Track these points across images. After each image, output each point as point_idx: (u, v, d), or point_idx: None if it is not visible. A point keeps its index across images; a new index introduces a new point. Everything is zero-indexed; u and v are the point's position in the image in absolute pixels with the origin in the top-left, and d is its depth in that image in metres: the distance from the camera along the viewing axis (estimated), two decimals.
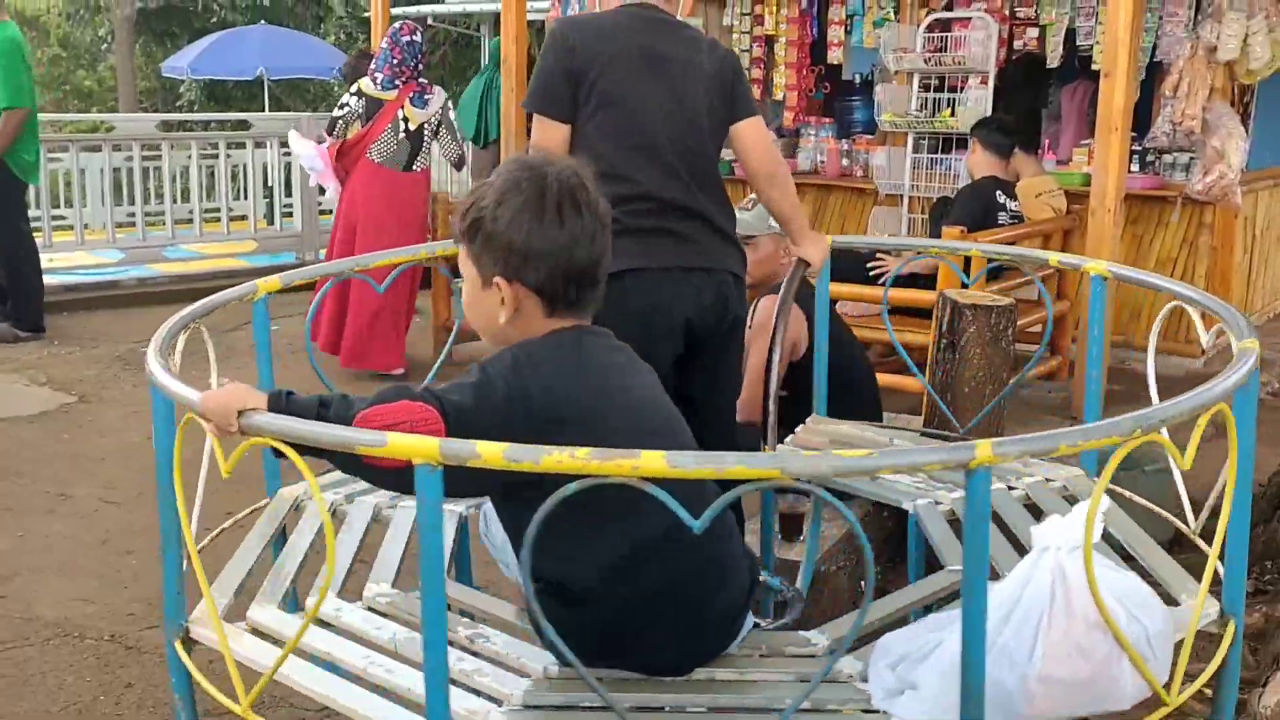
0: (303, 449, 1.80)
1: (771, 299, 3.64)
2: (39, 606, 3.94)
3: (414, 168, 6.64)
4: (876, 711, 1.84)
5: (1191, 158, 6.69)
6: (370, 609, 2.31)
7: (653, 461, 1.50)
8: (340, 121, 6.66)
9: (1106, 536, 2.38)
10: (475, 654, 2.05)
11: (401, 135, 6.56)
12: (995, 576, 2.20)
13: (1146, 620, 1.82)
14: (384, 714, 1.90)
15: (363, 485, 2.87)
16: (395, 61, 6.57)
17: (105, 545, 4.45)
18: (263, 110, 16.58)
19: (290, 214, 10.74)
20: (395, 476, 1.81)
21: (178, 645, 2.22)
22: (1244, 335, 2.00)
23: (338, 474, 2.88)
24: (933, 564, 2.60)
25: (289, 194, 11.04)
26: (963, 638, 1.61)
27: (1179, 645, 1.91)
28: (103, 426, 5.91)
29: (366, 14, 16.18)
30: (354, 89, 6.71)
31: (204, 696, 2.23)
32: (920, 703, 1.81)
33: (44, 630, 3.78)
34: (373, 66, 6.71)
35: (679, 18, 3.31)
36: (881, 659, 1.93)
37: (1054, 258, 3.50)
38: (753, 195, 3.99)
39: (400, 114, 6.55)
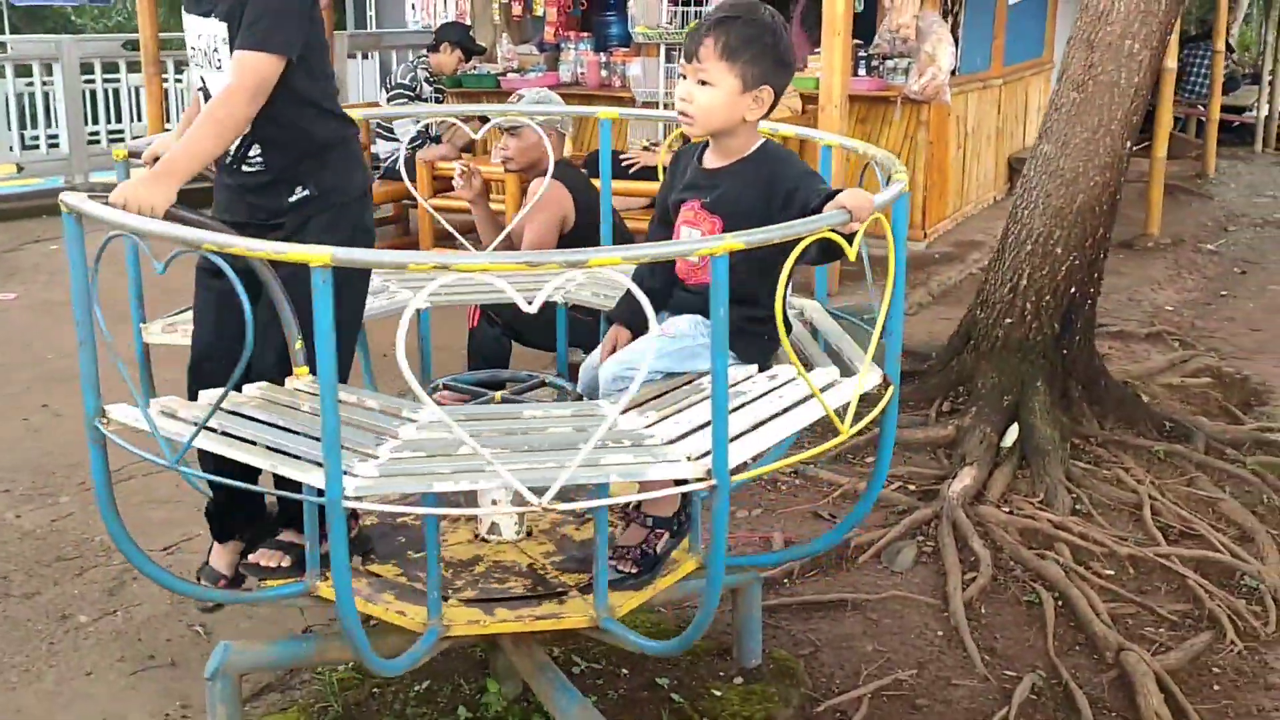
0: None
1: (539, 181, 4.16)
2: None
3: None
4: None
5: (909, 62, 7.52)
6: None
7: None
8: None
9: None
10: None
11: None
12: None
13: None
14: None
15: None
16: None
17: None
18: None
19: (56, 142, 10.65)
20: None
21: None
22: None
23: None
24: None
25: (52, 123, 10.90)
26: None
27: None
28: None
29: None
30: None
31: None
32: None
33: None
34: None
35: None
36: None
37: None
38: (521, 90, 4.51)
39: None
